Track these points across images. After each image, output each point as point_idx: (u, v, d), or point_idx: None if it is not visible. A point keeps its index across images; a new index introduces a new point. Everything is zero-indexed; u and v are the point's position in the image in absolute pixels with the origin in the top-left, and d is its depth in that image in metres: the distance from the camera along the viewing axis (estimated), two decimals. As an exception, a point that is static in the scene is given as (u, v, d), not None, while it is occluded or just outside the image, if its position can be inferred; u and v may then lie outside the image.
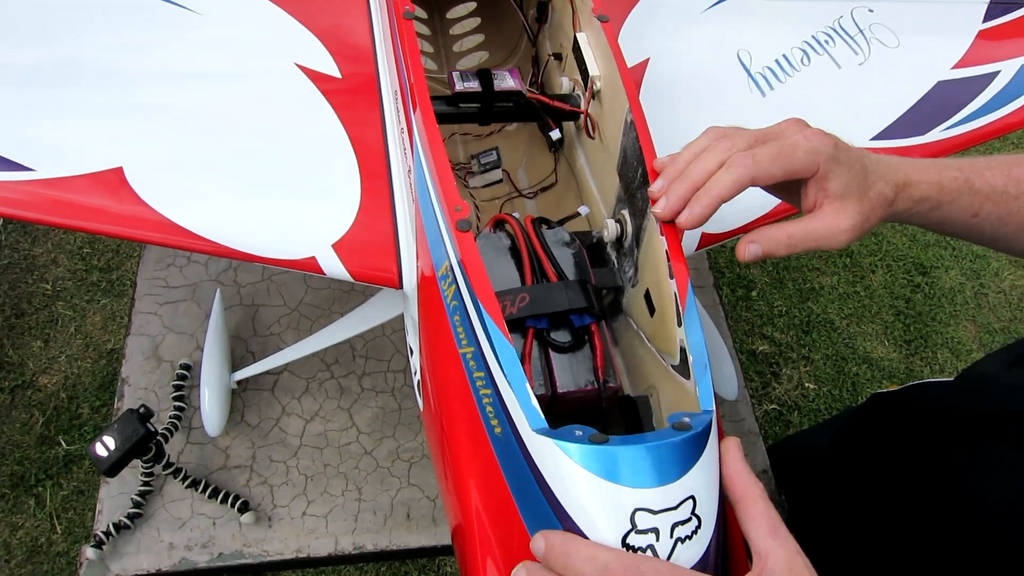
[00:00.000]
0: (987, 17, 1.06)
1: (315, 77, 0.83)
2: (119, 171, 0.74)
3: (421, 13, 1.12)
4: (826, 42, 0.98)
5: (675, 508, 0.44)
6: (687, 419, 0.48)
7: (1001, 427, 0.68)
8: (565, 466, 0.44)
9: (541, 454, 0.46)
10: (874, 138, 0.90)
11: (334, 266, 0.69)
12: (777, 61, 0.95)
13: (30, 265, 2.19)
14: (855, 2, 1.04)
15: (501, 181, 0.98)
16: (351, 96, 0.81)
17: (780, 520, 0.46)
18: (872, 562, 0.75)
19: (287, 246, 0.71)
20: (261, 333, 1.07)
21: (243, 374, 0.98)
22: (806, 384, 2.06)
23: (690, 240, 0.80)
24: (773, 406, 2.03)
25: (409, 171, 0.73)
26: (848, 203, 0.58)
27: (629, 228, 0.72)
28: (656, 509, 0.43)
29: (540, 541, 0.45)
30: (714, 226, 0.81)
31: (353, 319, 0.95)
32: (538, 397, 0.61)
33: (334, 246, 0.70)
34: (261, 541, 0.91)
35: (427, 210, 0.63)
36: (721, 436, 0.55)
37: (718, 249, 2.28)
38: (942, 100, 0.95)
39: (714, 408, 0.51)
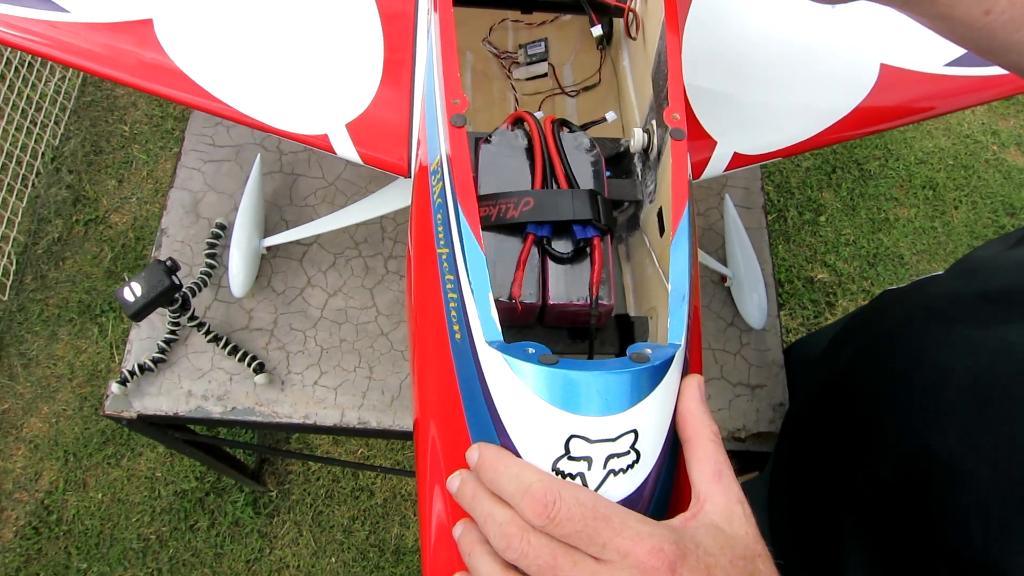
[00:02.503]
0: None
1: (356, -55, 0.79)
2: (149, 23, 0.74)
3: None
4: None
5: (613, 440, 0.43)
6: (648, 351, 0.46)
7: (975, 306, 0.64)
8: (510, 382, 0.44)
9: (491, 366, 0.45)
10: (949, 64, 0.82)
11: (345, 146, 0.68)
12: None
13: (111, 105, 2.25)
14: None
15: (546, 75, 0.94)
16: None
17: (727, 465, 0.45)
18: (851, 436, 0.74)
19: (302, 120, 0.70)
20: (297, 203, 1.08)
21: (272, 241, 1.00)
22: (861, 318, 2.00)
23: (719, 160, 0.76)
24: (821, 336, 1.98)
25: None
26: None
27: (655, 139, 0.69)
28: (592, 439, 0.43)
29: (474, 452, 0.45)
30: (749, 146, 0.77)
31: (382, 198, 0.95)
32: (529, 306, 0.61)
33: (347, 126, 0.69)
34: (272, 402, 0.95)
35: (431, 99, 0.61)
36: (696, 371, 0.53)
37: (791, 167, 2.18)
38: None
39: (682, 343, 0.49)
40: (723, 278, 1.06)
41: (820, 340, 0.94)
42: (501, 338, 0.46)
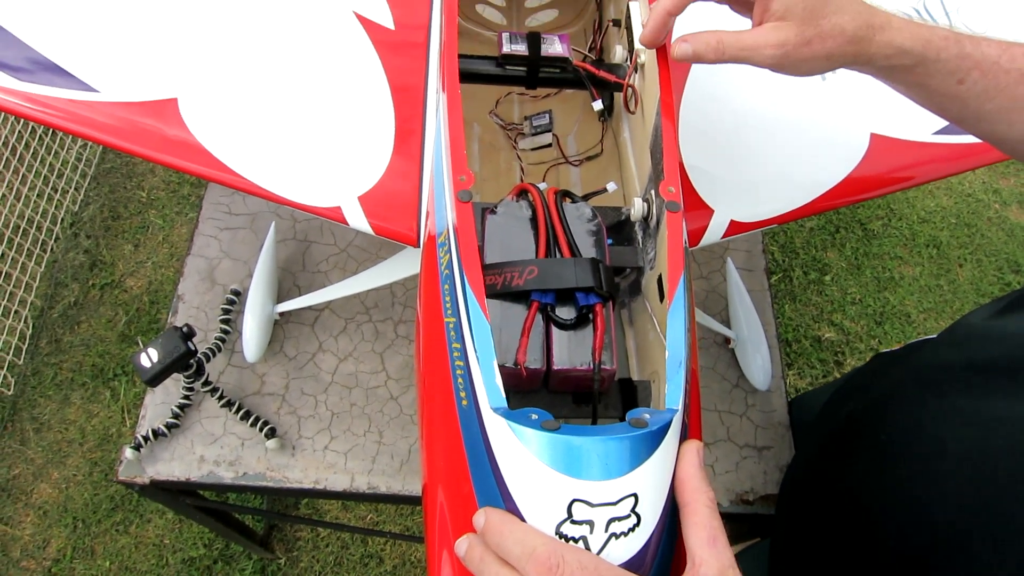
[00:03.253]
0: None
1: (369, 27, 0.84)
2: (174, 102, 0.78)
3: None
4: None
5: (614, 504, 0.44)
6: (646, 416, 0.48)
7: (966, 377, 0.65)
8: (514, 447, 0.45)
9: (495, 432, 0.47)
10: (937, 132, 0.85)
11: (358, 218, 0.71)
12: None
13: (130, 172, 2.31)
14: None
15: (550, 145, 0.97)
16: (400, 50, 0.82)
17: (722, 531, 0.46)
18: (849, 505, 0.75)
19: (317, 193, 0.73)
20: (310, 269, 1.11)
21: (286, 307, 1.03)
22: (870, 377, 2.00)
23: (717, 228, 0.79)
24: (831, 395, 1.98)
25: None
26: (788, 24, 0.58)
27: (655, 209, 0.71)
28: (594, 502, 0.44)
29: (481, 517, 0.46)
30: (745, 214, 0.79)
31: (392, 266, 0.98)
32: (533, 371, 0.63)
33: (360, 198, 0.72)
34: (283, 467, 0.96)
35: (439, 174, 0.64)
36: (695, 436, 0.55)
37: (795, 228, 2.21)
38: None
39: (679, 408, 0.51)
40: (727, 340, 1.08)
41: (821, 397, 0.95)
42: (505, 405, 0.48)
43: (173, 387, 1.01)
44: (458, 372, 0.53)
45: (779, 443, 1.02)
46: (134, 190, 2.27)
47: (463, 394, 0.51)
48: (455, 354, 0.54)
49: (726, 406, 1.04)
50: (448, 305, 0.57)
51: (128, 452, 0.96)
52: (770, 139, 0.86)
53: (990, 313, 0.71)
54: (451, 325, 0.55)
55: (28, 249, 2.03)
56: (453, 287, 0.56)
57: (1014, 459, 0.55)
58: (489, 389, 0.49)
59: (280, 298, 1.06)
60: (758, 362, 1.03)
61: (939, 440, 0.63)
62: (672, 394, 0.52)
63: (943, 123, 0.87)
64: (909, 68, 0.60)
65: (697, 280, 1.14)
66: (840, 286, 2.10)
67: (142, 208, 2.24)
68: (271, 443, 0.96)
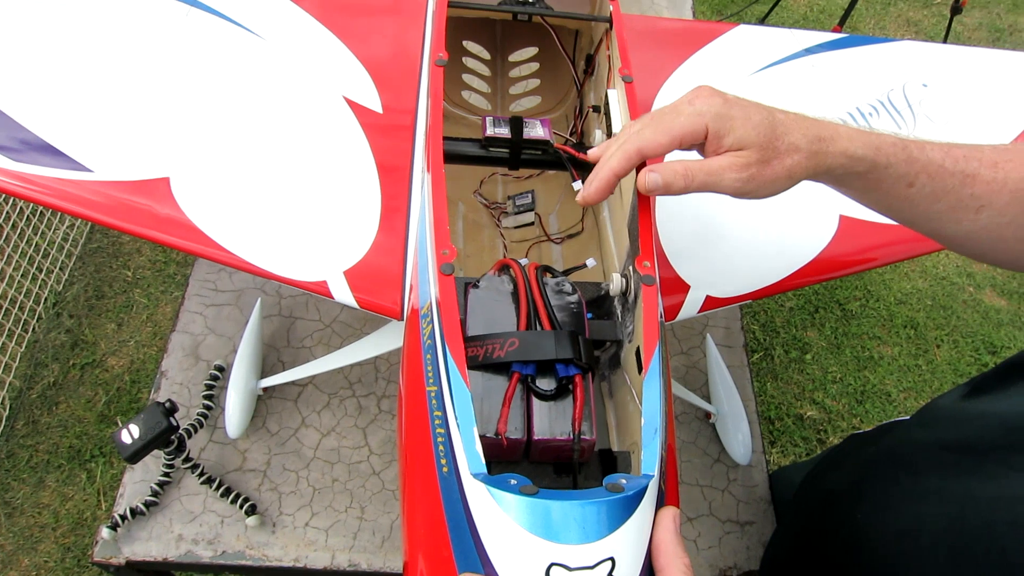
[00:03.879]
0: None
1: (358, 111, 0.87)
2: (166, 181, 0.80)
3: (484, 53, 1.16)
4: (870, 114, 0.98)
5: (591, 568, 0.45)
6: (623, 481, 0.49)
7: (939, 457, 0.67)
8: (493, 512, 0.46)
9: (475, 497, 0.47)
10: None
11: (343, 292, 0.73)
12: (813, 130, 0.95)
13: (116, 251, 2.33)
14: (909, 76, 1.03)
15: (533, 224, 1.00)
16: (388, 132, 0.86)
17: None
18: None
19: (303, 267, 0.75)
20: (294, 344, 1.12)
21: (269, 382, 1.03)
22: (853, 456, 2.00)
23: (693, 303, 0.81)
24: (815, 474, 1.98)
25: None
26: (747, 151, 0.61)
27: (633, 284, 0.74)
28: (572, 566, 0.45)
29: (460, 583, 0.47)
30: (720, 291, 0.82)
31: (376, 339, 0.99)
32: (514, 441, 0.64)
33: (345, 273, 0.74)
34: (263, 545, 0.95)
35: (423, 248, 0.66)
36: (672, 503, 0.56)
37: (775, 307, 2.25)
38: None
39: (655, 474, 0.52)
40: (708, 415, 1.09)
41: (799, 472, 0.96)
42: (485, 470, 0.49)
43: (153, 464, 1.01)
44: (439, 440, 0.54)
45: (761, 518, 1.02)
46: (120, 269, 2.28)
47: (444, 461, 0.52)
48: (436, 422, 0.55)
49: (708, 480, 1.04)
50: (430, 374, 0.58)
51: (104, 532, 0.95)
52: (744, 220, 0.89)
53: (960, 395, 0.73)
54: (433, 394, 0.56)
55: (9, 329, 2.02)
56: (435, 356, 0.57)
57: (990, 537, 0.57)
58: (469, 455, 0.49)
59: (264, 373, 1.06)
60: (738, 437, 1.04)
61: (915, 518, 0.65)
62: (648, 460, 0.53)
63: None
64: (862, 174, 0.63)
65: (678, 355, 1.16)
66: (821, 365, 2.12)
67: (127, 287, 2.24)
68: (251, 520, 0.95)
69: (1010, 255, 0.66)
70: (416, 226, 0.77)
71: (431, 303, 0.61)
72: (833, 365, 2.13)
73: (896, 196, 0.64)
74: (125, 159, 0.82)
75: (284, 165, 0.83)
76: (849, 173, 0.63)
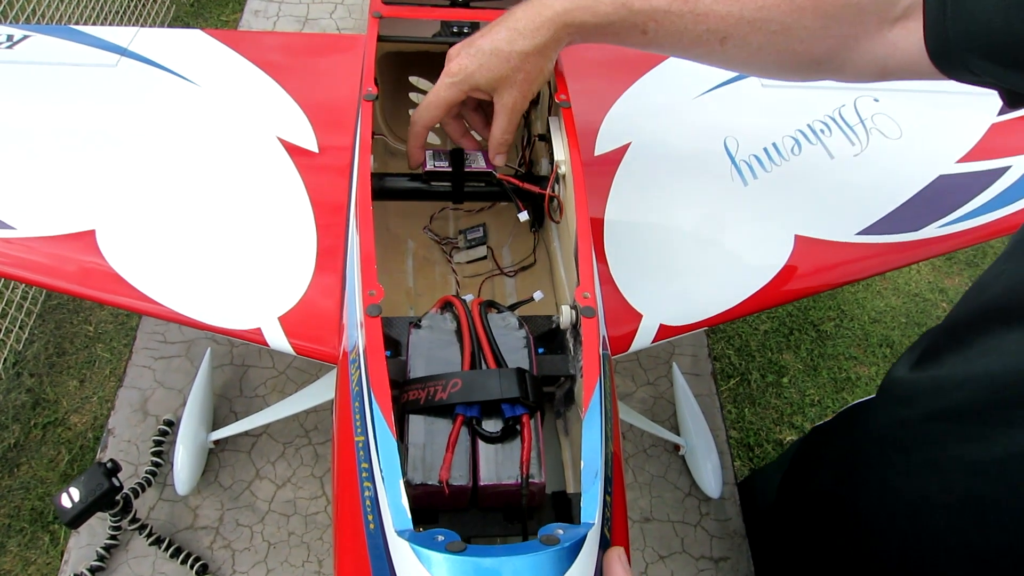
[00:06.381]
0: (1002, 111, 1.02)
1: (293, 151, 0.85)
2: (91, 233, 0.77)
3: (429, 87, 1.14)
4: (822, 131, 0.96)
5: (528, 627, 0.41)
6: (559, 532, 0.45)
7: (927, 429, 0.66)
8: (417, 573, 0.43)
9: (400, 556, 0.44)
10: (860, 232, 0.87)
11: (278, 339, 0.70)
12: (766, 149, 0.93)
13: (77, 307, 2.28)
14: (860, 92, 1.02)
15: (485, 258, 0.98)
16: (324, 172, 0.83)
17: None
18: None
19: (236, 315, 0.72)
20: (247, 394, 1.08)
21: (220, 434, 0.99)
22: (836, 478, 1.97)
23: (646, 332, 0.78)
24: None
25: None
26: (505, 90, 0.74)
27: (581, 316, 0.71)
28: (506, 627, 0.41)
29: (385, 650, 0.43)
30: (672, 319, 0.79)
31: (330, 383, 0.95)
32: (459, 488, 0.60)
33: (280, 319, 0.71)
34: (215, 607, 0.90)
35: (351, 290, 0.63)
36: (620, 543, 0.52)
37: (749, 331, 2.23)
38: (942, 195, 0.92)
39: (596, 521, 0.48)
40: (677, 447, 1.05)
41: (770, 476, 0.94)
42: (411, 527, 0.46)
43: (100, 527, 0.96)
44: (366, 494, 0.50)
45: (735, 553, 0.98)
46: (80, 324, 2.23)
47: (371, 517, 0.49)
48: (363, 475, 0.51)
49: (679, 516, 1.01)
50: (358, 424, 0.54)
51: (46, 601, 0.90)
52: (696, 244, 0.87)
53: (910, 365, 0.72)
54: (360, 444, 0.53)
55: (-32, 392, 1.97)
56: (362, 405, 0.54)
57: (1017, 500, 0.55)
58: (394, 510, 0.46)
59: (216, 425, 1.02)
60: (708, 468, 1.00)
61: (921, 493, 0.63)
62: (588, 507, 0.50)
63: (866, 223, 0.89)
64: (603, 38, 0.71)
65: (644, 386, 1.13)
66: (798, 388, 2.10)
67: (89, 342, 2.19)
68: (202, 582, 0.91)
69: (781, 75, 0.71)
70: (349, 267, 0.75)
71: (358, 347, 0.58)
72: (811, 388, 2.10)
73: (641, 43, 0.70)
74: (48, 213, 0.79)
75: (215, 210, 0.80)
76: (591, 40, 0.71)
